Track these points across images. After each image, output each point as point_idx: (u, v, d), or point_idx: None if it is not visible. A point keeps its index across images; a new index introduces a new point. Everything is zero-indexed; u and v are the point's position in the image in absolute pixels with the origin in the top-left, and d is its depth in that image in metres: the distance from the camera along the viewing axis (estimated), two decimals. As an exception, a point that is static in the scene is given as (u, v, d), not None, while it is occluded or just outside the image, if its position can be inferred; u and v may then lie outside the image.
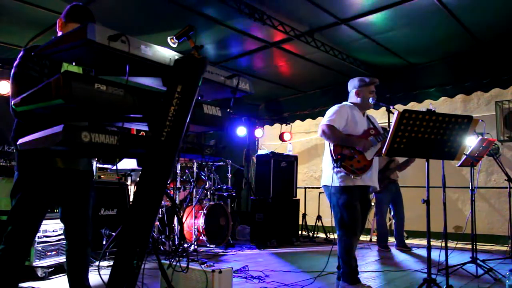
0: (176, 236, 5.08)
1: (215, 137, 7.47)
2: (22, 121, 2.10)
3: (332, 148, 3.20)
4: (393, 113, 2.64)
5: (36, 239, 3.53)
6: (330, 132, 3.17)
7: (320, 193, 7.30)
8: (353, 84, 3.45)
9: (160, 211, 5.17)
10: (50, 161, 2.25)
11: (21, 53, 2.22)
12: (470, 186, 4.15)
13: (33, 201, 2.22)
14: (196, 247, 5.32)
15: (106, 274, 1.66)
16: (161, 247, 5.01)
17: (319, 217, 7.14)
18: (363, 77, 3.43)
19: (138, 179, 1.65)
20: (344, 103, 3.42)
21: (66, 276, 2.47)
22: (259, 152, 7.34)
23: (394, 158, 5.81)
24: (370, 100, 3.40)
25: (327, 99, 7.13)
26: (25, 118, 2.07)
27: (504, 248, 5.87)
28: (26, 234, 2.22)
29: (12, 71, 2.20)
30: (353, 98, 3.43)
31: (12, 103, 1.72)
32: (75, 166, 2.36)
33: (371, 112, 3.63)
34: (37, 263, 3.53)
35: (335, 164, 3.13)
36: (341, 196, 3.17)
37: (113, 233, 4.30)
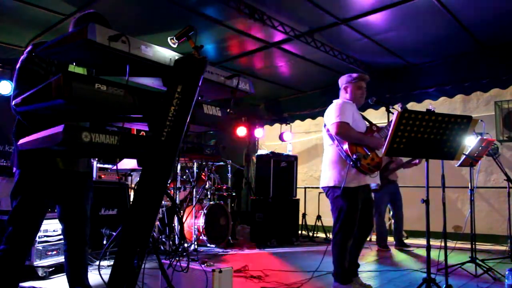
0: (176, 236, 5.08)
1: (215, 137, 7.48)
2: (24, 120, 2.10)
3: (346, 147, 3.13)
4: (393, 113, 2.64)
5: (37, 238, 3.54)
6: (347, 130, 3.11)
7: (320, 193, 7.30)
8: (341, 81, 3.43)
9: (161, 211, 5.18)
10: (50, 161, 2.25)
11: (28, 48, 2.21)
12: (470, 186, 4.15)
13: (34, 202, 2.22)
14: (196, 246, 5.32)
15: (106, 273, 1.67)
16: (161, 247, 5.02)
17: (318, 217, 7.15)
18: (351, 73, 3.41)
19: (139, 179, 1.66)
20: (342, 100, 3.36)
21: (66, 276, 2.47)
22: (259, 152, 7.35)
23: (393, 159, 5.82)
24: (369, 100, 3.40)
25: (327, 99, 7.06)
26: (27, 117, 2.07)
27: (503, 248, 5.87)
28: (27, 234, 2.23)
29: (18, 65, 2.19)
30: (342, 95, 3.40)
31: (13, 103, 1.73)
32: (75, 168, 2.37)
33: (369, 112, 3.62)
34: (37, 262, 3.54)
35: (352, 164, 3.08)
36: (348, 197, 3.13)
37: (114, 233, 4.30)
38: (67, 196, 2.38)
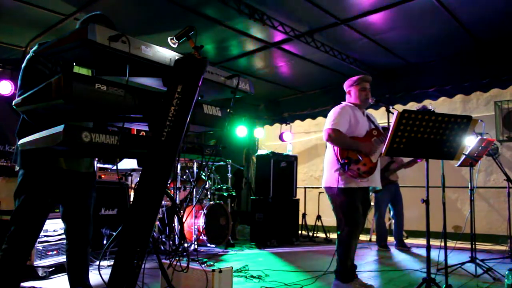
0: (176, 236, 5.08)
1: (215, 137, 7.47)
2: (29, 119, 2.10)
3: (337, 151, 3.20)
4: (393, 113, 2.64)
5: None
6: (337, 137, 3.18)
7: (320, 193, 7.31)
8: (345, 86, 3.51)
9: (161, 210, 5.18)
10: (53, 161, 2.25)
11: (34, 47, 2.22)
12: (469, 186, 4.15)
13: (37, 201, 2.22)
14: (196, 246, 5.32)
15: (106, 273, 1.67)
16: (162, 247, 5.02)
17: (318, 217, 7.15)
18: (352, 77, 3.46)
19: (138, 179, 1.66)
20: (344, 103, 3.43)
21: (66, 276, 2.48)
22: (259, 152, 7.35)
23: (395, 159, 5.82)
24: (370, 100, 3.42)
25: (327, 99, 7.13)
26: (31, 116, 2.07)
27: (503, 248, 5.87)
28: (29, 234, 2.22)
29: (23, 64, 2.20)
30: (348, 98, 3.48)
31: (13, 103, 1.73)
32: (77, 168, 2.37)
33: (369, 112, 3.64)
34: (38, 262, 3.54)
35: (341, 169, 3.14)
36: (345, 198, 3.19)
37: (114, 233, 4.30)
38: (70, 196, 2.39)
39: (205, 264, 2.81)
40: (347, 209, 3.18)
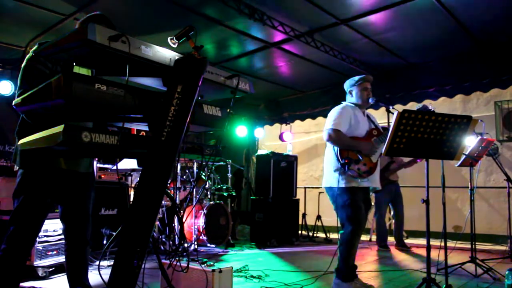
0: (176, 236, 5.08)
1: (215, 137, 7.47)
2: (28, 118, 2.10)
3: (337, 151, 3.21)
4: (393, 113, 2.64)
5: (37, 238, 3.54)
6: (337, 137, 3.19)
7: (320, 193, 7.31)
8: (346, 86, 3.51)
9: (161, 210, 5.18)
10: (53, 161, 2.25)
11: (34, 47, 2.22)
12: (470, 186, 4.15)
13: (36, 201, 2.22)
14: (196, 246, 5.32)
15: (106, 273, 1.67)
16: (162, 247, 5.02)
17: (318, 217, 7.15)
18: (354, 77, 3.46)
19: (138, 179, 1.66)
20: (345, 103, 3.43)
21: (66, 276, 2.48)
22: (259, 152, 7.35)
23: (395, 159, 5.82)
24: (370, 100, 3.41)
25: (327, 99, 7.13)
26: (31, 116, 2.06)
27: (503, 248, 5.87)
28: (29, 234, 2.22)
29: (23, 63, 2.20)
30: (349, 98, 3.48)
31: (13, 103, 1.73)
32: (76, 168, 2.37)
33: (369, 111, 3.63)
34: (37, 262, 3.54)
35: (341, 169, 3.15)
36: (346, 197, 3.19)
37: (114, 233, 4.30)
38: (69, 196, 2.39)
39: (205, 264, 2.81)
40: (349, 208, 3.18)
